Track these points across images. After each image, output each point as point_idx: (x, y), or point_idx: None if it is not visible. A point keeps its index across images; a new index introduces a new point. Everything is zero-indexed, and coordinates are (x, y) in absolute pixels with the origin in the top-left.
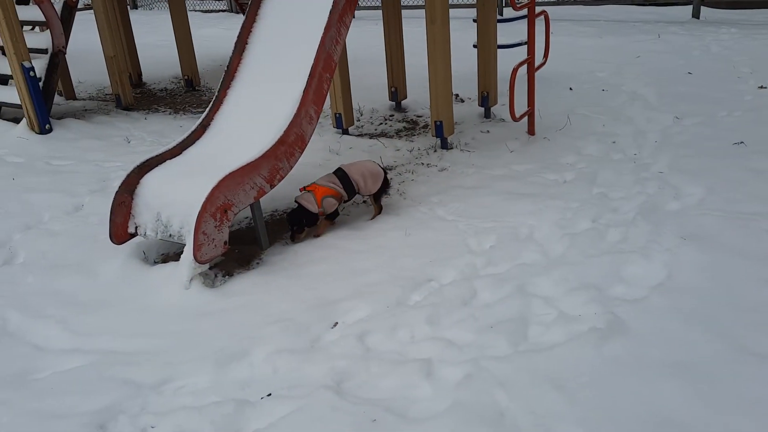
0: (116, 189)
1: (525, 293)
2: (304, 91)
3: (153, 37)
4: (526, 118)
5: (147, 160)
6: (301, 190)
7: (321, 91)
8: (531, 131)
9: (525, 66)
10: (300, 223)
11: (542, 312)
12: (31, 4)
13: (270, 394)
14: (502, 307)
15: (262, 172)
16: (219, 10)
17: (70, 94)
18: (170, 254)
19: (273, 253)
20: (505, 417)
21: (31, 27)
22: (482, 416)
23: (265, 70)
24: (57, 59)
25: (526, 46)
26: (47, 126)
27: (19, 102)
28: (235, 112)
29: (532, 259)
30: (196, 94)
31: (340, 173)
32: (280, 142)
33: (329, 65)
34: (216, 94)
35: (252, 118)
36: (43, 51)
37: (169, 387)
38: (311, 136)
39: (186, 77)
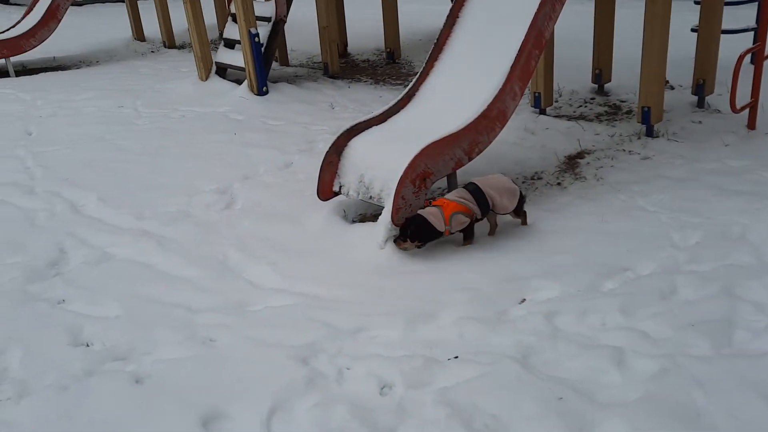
0: (326, 150)
1: (732, 295)
2: (511, 67)
3: (359, 11)
4: (746, 111)
5: (356, 125)
6: (426, 203)
7: (528, 68)
8: (751, 125)
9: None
10: (420, 238)
11: (752, 318)
12: None
13: (457, 357)
14: (706, 306)
15: (462, 144)
16: None
17: (284, 60)
18: (367, 215)
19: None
20: (703, 417)
21: None
22: (676, 412)
23: (473, 44)
24: (278, 27)
25: (753, 32)
26: (264, 88)
27: (240, 65)
28: (441, 83)
29: (743, 261)
30: (396, 67)
31: (473, 187)
32: (483, 116)
33: (539, 42)
34: (423, 65)
35: (456, 90)
36: (267, 19)
37: (363, 335)
38: (513, 112)
39: (388, 50)
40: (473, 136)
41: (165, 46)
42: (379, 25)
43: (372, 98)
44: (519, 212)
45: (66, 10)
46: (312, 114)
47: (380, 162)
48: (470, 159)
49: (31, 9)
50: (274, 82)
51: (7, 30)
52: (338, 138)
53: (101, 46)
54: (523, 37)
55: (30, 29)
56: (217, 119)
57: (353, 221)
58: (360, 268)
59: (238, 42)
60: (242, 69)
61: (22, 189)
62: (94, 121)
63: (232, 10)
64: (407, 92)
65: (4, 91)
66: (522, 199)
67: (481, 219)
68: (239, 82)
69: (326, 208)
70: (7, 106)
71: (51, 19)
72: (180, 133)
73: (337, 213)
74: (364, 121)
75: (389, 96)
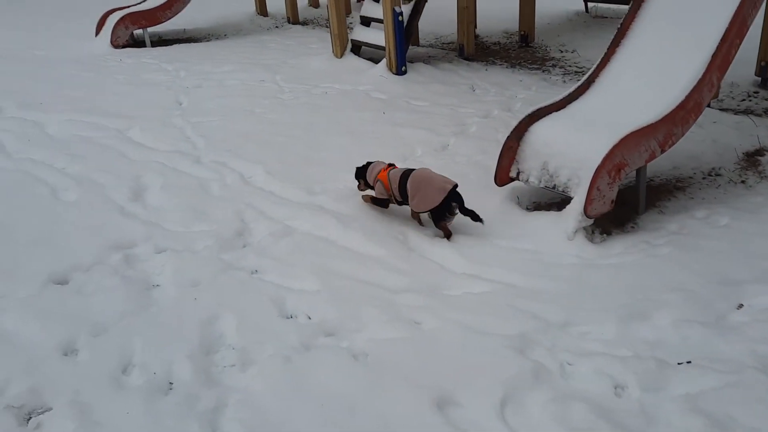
0: (506, 135)
1: None
2: (712, 57)
3: None
4: None
5: (536, 110)
6: (388, 168)
7: (728, 59)
8: None
9: None
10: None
11: None
12: None
13: (689, 362)
14: None
15: (658, 136)
16: None
17: (415, 40)
18: (542, 203)
19: (648, 220)
20: None
21: None
22: None
23: (662, 31)
24: (420, 6)
25: None
26: (403, 68)
27: (377, 43)
28: (625, 71)
29: None
30: (529, 50)
31: (405, 173)
32: (680, 107)
33: (742, 31)
34: (605, 51)
35: (644, 78)
36: None
37: (574, 330)
38: (707, 104)
39: (522, 33)
40: (669, 128)
41: (289, 22)
42: (505, 7)
43: (511, 82)
44: (435, 222)
45: None
46: (454, 95)
47: (567, 150)
48: (663, 151)
49: None
50: (410, 62)
51: (144, 1)
52: (519, 123)
53: (227, 19)
54: (726, 25)
55: (166, 1)
56: (360, 97)
57: (527, 209)
58: (551, 259)
59: (375, 20)
60: (379, 47)
61: (188, 158)
62: (240, 93)
63: None
64: (587, 78)
65: (146, 61)
66: (439, 214)
67: (402, 204)
68: (373, 60)
69: (498, 194)
70: (153, 76)
71: None
72: (327, 109)
73: (510, 199)
74: (544, 107)
75: (529, 80)
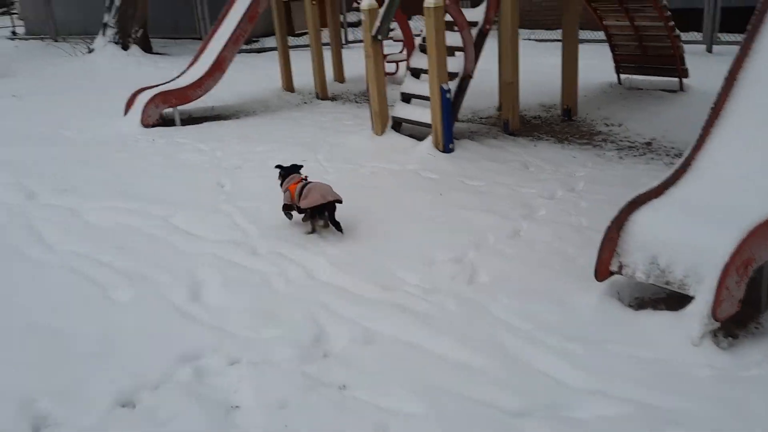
0: (607, 225)
1: None
2: None
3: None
4: None
5: (636, 198)
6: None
7: None
8: None
9: None
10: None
11: None
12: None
13: None
14: None
15: None
16: (555, 40)
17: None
18: (645, 299)
19: None
20: None
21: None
22: None
23: (763, 111)
24: (465, 83)
25: None
26: (450, 146)
27: (420, 120)
28: (727, 153)
29: None
30: (574, 125)
31: (305, 185)
32: None
33: None
34: (699, 132)
35: (753, 161)
36: (454, 74)
37: None
38: None
39: (565, 107)
40: None
41: (318, 98)
42: (537, 80)
43: (564, 158)
44: (308, 217)
45: (231, 61)
46: (508, 174)
47: (680, 242)
48: None
49: (196, 60)
50: (455, 138)
51: (173, 80)
52: (620, 213)
53: (253, 96)
54: None
55: (198, 80)
56: (411, 177)
57: (629, 306)
58: (680, 369)
59: (418, 96)
60: (422, 124)
61: (243, 249)
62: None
63: (412, 64)
64: (684, 162)
65: (179, 141)
66: (313, 212)
67: (298, 207)
68: (415, 137)
69: (595, 289)
70: (189, 156)
71: (217, 69)
72: (379, 190)
73: (609, 295)
74: (643, 194)
75: (583, 156)
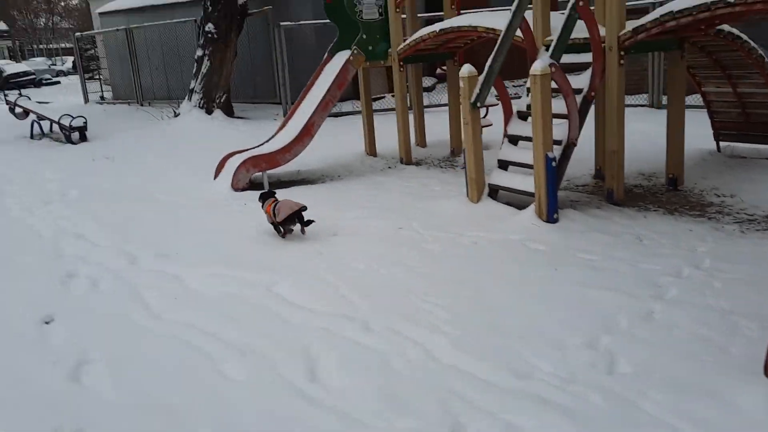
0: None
1: None
2: None
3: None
4: None
5: None
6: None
7: None
8: None
9: None
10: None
11: None
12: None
13: None
14: None
15: None
16: (637, 105)
17: None
18: None
19: None
20: None
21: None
22: None
23: None
24: (569, 151)
25: None
26: (555, 215)
27: (520, 188)
28: None
29: None
30: (681, 195)
31: (275, 205)
32: None
33: None
34: None
35: None
36: (557, 142)
37: None
38: None
39: (670, 175)
40: None
41: (402, 163)
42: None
43: (680, 232)
44: (282, 225)
45: (320, 127)
46: (622, 248)
47: None
48: None
49: (284, 125)
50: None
51: (262, 144)
52: None
53: (337, 160)
54: None
55: (287, 144)
56: (517, 248)
57: None
58: None
59: (515, 164)
60: (522, 193)
61: (355, 323)
62: (380, 242)
63: (509, 131)
64: None
65: None
66: (285, 222)
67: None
68: (512, 205)
69: (762, 385)
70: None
71: (306, 135)
72: (485, 262)
73: None
74: None
75: (700, 230)
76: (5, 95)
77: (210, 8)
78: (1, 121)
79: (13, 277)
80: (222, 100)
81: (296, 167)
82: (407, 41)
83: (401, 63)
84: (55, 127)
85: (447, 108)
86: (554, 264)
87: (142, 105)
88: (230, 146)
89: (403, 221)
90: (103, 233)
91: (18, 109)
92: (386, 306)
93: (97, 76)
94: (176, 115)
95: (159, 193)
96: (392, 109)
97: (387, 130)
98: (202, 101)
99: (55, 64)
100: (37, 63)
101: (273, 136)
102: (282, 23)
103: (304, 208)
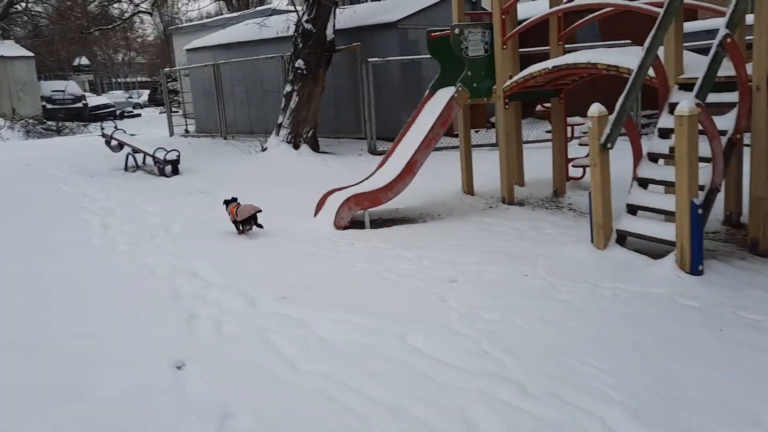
0: None
1: None
2: None
3: None
4: None
5: None
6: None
7: None
8: None
9: None
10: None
11: None
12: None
13: None
14: None
15: None
16: None
17: None
18: None
19: None
20: None
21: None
22: None
23: None
24: (712, 197)
25: None
26: (699, 267)
27: (655, 236)
28: None
29: None
30: None
31: (237, 208)
32: None
33: None
34: None
35: None
36: (700, 187)
37: None
38: None
39: None
40: None
41: (504, 203)
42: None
43: None
44: (241, 225)
45: (422, 165)
46: None
47: None
48: None
49: (384, 162)
50: None
51: (362, 182)
52: None
53: (434, 198)
54: None
55: (389, 183)
56: (665, 303)
57: None
58: None
59: (647, 209)
60: (656, 240)
61: (509, 385)
62: (509, 290)
63: (639, 173)
64: None
65: (378, 246)
66: (244, 222)
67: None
68: (642, 252)
69: None
70: (396, 265)
71: (408, 173)
72: (636, 320)
73: None
74: None
75: None
76: (102, 128)
77: (300, 45)
78: (96, 152)
79: (137, 317)
80: (309, 135)
81: (395, 205)
82: (514, 78)
83: (506, 100)
84: (148, 159)
85: (535, 144)
86: (716, 324)
87: (225, 138)
88: (321, 182)
89: (528, 268)
90: (215, 271)
91: (113, 142)
92: (539, 366)
93: (176, 110)
94: (263, 149)
95: (260, 230)
96: (480, 146)
97: (479, 168)
98: (289, 136)
99: (132, 97)
100: (116, 96)
101: (373, 174)
102: (370, 59)
103: (259, 211)
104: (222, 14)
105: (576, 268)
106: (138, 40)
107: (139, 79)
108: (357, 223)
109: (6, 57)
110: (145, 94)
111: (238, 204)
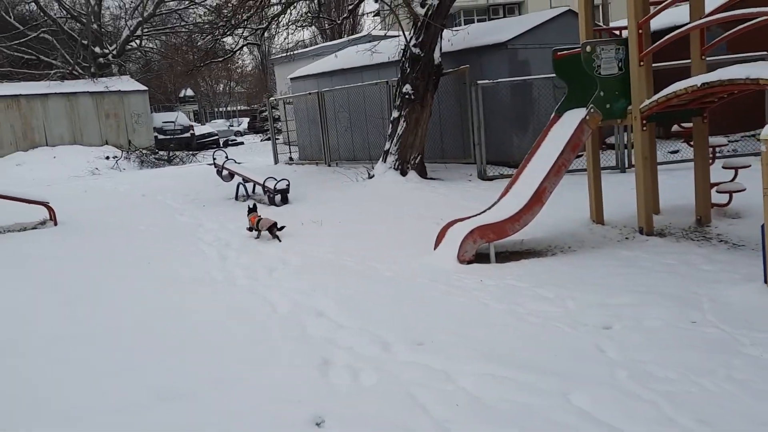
0: None
1: None
2: None
3: None
4: None
5: None
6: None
7: None
8: None
9: None
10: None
11: None
12: None
13: None
14: None
15: None
16: None
17: None
18: None
19: None
20: None
21: None
22: None
23: None
24: None
25: None
26: None
27: None
28: None
29: None
30: None
31: (259, 219)
32: None
33: None
34: None
35: None
36: None
37: None
38: None
39: None
40: None
41: (641, 233)
42: None
43: None
44: (270, 231)
45: (551, 194)
46: None
47: None
48: None
49: (507, 191)
50: None
51: (484, 212)
52: None
53: (559, 228)
54: None
55: (516, 213)
56: None
57: None
58: None
59: None
60: None
61: None
62: (675, 341)
63: None
64: None
65: (511, 283)
66: (273, 227)
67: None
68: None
69: None
70: (536, 306)
71: (536, 203)
72: None
73: None
74: None
75: None
76: (214, 158)
77: (408, 69)
78: (205, 181)
79: (265, 362)
80: (416, 161)
81: (519, 236)
82: (655, 97)
83: (644, 121)
84: (258, 188)
85: (662, 166)
86: None
87: (329, 165)
88: (434, 210)
89: (694, 313)
90: (342, 311)
91: (225, 171)
92: None
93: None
94: (370, 176)
95: (378, 264)
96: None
97: (608, 194)
98: (396, 162)
99: (233, 125)
100: (218, 125)
101: (496, 203)
102: (479, 81)
103: (275, 223)
104: (317, 44)
105: (752, 313)
106: (238, 70)
107: (238, 107)
108: (480, 257)
109: (123, 91)
110: (245, 122)
111: (258, 216)
